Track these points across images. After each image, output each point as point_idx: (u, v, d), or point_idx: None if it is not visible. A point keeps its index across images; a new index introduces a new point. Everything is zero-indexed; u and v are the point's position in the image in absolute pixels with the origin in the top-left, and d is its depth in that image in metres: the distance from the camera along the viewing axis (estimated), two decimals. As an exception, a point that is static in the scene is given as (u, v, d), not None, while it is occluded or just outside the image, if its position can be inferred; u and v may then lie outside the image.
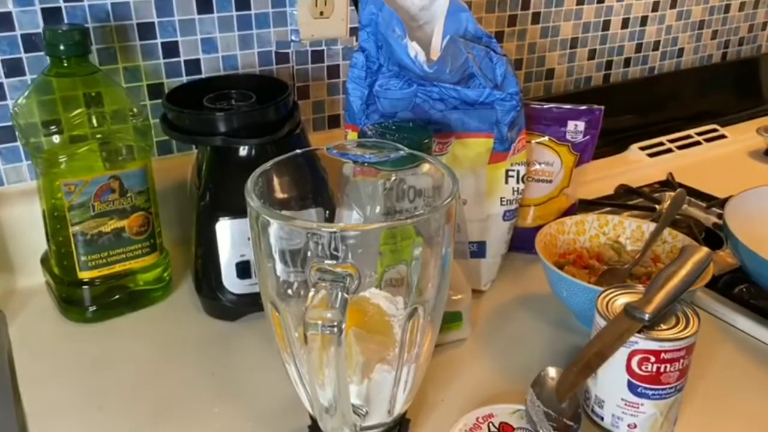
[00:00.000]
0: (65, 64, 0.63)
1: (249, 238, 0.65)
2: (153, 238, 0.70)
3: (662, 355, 0.51)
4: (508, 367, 0.64)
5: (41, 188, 0.67)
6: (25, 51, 0.71)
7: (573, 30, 1.11)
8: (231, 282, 0.68)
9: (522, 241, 0.78)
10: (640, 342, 0.51)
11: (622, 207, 0.93)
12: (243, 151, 0.66)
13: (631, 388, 0.52)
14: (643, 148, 1.12)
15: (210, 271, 0.68)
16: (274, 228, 0.45)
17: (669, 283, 0.55)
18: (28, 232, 0.73)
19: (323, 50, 0.88)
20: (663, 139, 1.15)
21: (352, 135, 0.69)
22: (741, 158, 1.13)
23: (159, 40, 0.77)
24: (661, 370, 0.51)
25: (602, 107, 0.79)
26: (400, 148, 0.54)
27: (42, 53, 0.70)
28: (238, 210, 0.64)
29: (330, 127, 0.93)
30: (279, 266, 0.46)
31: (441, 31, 0.68)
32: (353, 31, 0.87)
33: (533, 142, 0.79)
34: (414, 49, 0.65)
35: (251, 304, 0.67)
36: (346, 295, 0.42)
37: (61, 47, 0.62)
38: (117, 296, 0.70)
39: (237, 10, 0.81)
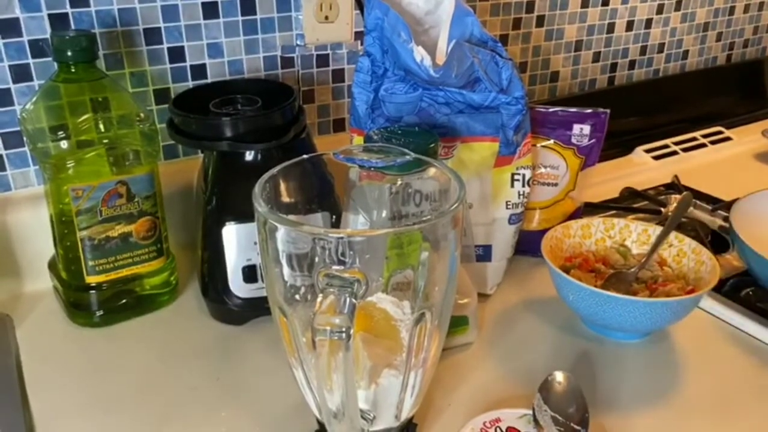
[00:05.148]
0: (73, 70, 0.63)
1: (255, 243, 0.65)
2: (160, 243, 0.71)
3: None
4: (514, 371, 0.63)
5: (49, 193, 0.67)
6: (33, 57, 0.72)
7: (578, 33, 1.11)
8: (237, 286, 0.68)
9: (528, 245, 0.78)
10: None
11: (628, 210, 0.92)
12: (249, 155, 0.67)
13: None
14: (648, 151, 1.12)
15: (216, 275, 0.68)
16: (282, 233, 0.45)
17: None
18: (35, 237, 0.73)
19: (328, 54, 0.88)
20: (668, 141, 1.15)
21: (358, 139, 0.69)
22: (746, 160, 1.13)
23: (165, 45, 0.78)
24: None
25: (608, 110, 0.79)
26: (406, 152, 0.54)
27: (49, 59, 0.71)
28: (244, 214, 0.64)
29: (335, 131, 0.93)
30: (286, 271, 0.46)
31: (446, 36, 0.68)
32: (358, 36, 0.87)
33: (539, 145, 0.79)
34: (420, 53, 0.65)
35: (258, 308, 0.67)
36: (354, 300, 0.42)
37: (69, 53, 0.62)
38: (124, 300, 0.70)
39: (242, 15, 0.81)
